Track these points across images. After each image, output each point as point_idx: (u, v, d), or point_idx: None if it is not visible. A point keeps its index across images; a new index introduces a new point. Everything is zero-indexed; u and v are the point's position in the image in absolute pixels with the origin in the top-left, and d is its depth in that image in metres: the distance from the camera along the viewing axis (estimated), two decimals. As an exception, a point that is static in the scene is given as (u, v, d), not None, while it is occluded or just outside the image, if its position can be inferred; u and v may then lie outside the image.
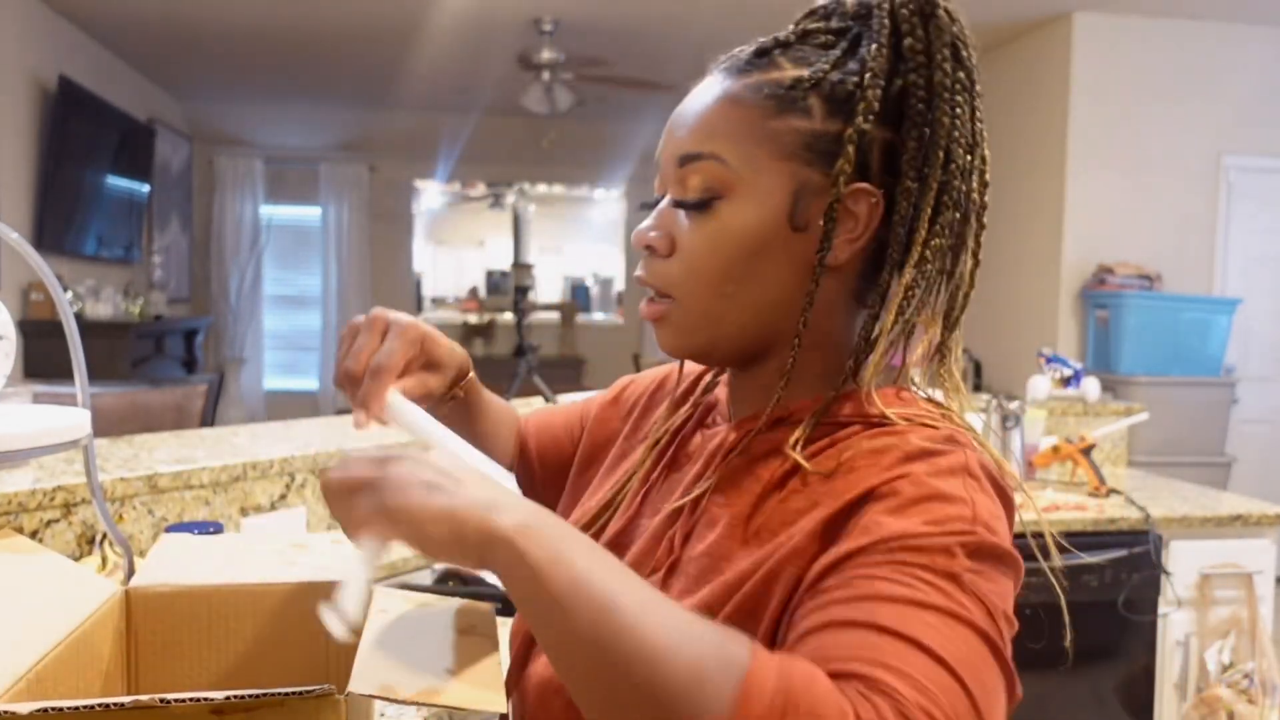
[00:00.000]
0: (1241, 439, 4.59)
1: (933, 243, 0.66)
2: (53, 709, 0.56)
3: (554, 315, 7.83)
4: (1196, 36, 4.65)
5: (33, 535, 1.30)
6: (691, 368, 0.87)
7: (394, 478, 0.53)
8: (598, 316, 8.16)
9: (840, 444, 0.66)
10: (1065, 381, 3.23)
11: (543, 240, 7.99)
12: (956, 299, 0.69)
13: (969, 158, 0.67)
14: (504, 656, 1.38)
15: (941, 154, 0.66)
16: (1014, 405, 2.72)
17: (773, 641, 0.60)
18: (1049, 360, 3.29)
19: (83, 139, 4.93)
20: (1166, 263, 4.63)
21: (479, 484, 0.54)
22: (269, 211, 7.32)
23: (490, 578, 1.78)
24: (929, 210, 0.66)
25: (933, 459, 0.61)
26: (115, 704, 0.57)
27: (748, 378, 0.75)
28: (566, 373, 7.29)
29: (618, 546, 0.76)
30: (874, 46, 0.66)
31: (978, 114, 0.68)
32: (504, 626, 1.63)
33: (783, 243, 0.67)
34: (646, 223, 0.72)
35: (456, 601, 0.89)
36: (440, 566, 1.69)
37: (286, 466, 1.65)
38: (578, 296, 8.11)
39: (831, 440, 0.67)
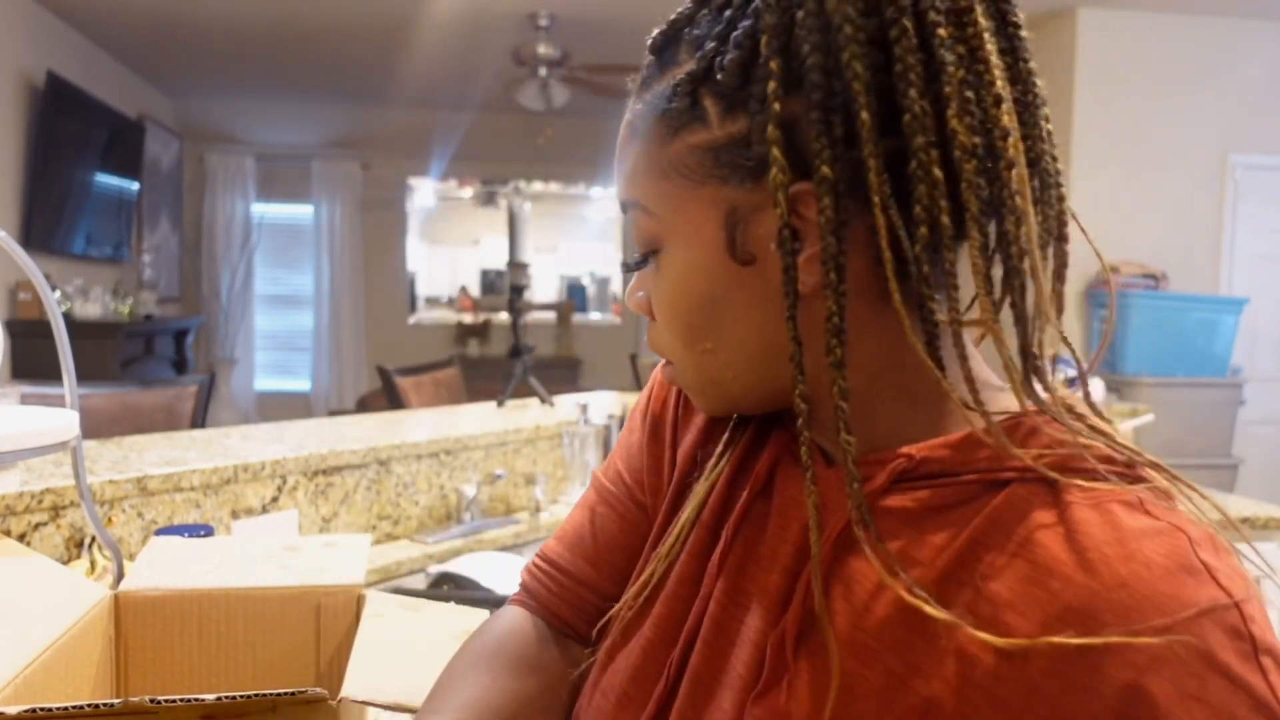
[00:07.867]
0: (1248, 440, 4.58)
1: (972, 208, 0.49)
2: (42, 710, 0.56)
3: (550, 315, 7.81)
4: (1203, 32, 4.63)
5: (20, 539, 1.28)
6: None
7: None
8: (594, 316, 8.13)
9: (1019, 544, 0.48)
10: (1069, 382, 3.20)
11: (538, 239, 7.96)
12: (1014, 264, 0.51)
13: (974, 93, 0.48)
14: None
15: (925, 97, 0.47)
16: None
17: None
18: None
19: (71, 136, 4.88)
20: (1172, 262, 4.61)
21: None
22: (260, 210, 7.28)
23: (487, 580, 1.74)
24: (934, 170, 0.48)
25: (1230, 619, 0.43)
26: (105, 705, 0.57)
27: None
28: (563, 373, 7.26)
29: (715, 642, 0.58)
30: None
31: (978, 26, 0.49)
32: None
33: (736, 282, 0.53)
34: (633, 283, 0.63)
35: (451, 606, 0.89)
36: (434, 570, 1.66)
37: (278, 469, 1.62)
38: (574, 296, 8.08)
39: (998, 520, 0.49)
